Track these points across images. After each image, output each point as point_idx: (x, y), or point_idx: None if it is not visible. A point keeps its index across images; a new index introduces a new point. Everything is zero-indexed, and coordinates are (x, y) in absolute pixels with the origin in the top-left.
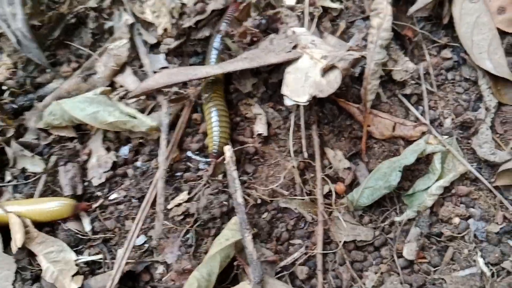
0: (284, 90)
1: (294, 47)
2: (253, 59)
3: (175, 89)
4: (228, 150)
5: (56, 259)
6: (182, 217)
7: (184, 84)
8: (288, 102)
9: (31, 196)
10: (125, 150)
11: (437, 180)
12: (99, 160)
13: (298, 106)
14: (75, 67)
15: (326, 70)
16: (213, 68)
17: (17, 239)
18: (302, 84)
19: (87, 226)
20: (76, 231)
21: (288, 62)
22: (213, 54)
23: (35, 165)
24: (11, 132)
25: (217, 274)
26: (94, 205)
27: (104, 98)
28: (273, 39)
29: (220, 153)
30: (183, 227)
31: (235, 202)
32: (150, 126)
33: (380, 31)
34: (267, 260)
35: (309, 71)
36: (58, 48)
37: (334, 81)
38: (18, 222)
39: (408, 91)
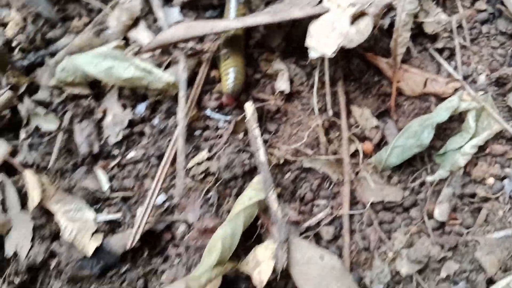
0: (309, 42)
1: (320, 1)
2: (277, 13)
3: (191, 44)
4: (249, 107)
5: (74, 218)
6: (202, 176)
7: (201, 39)
8: (313, 55)
9: (48, 154)
10: (141, 108)
11: (470, 138)
12: (115, 118)
13: (322, 61)
14: (86, 22)
15: (355, 18)
16: (233, 22)
17: (34, 196)
18: (328, 34)
19: (104, 184)
20: (94, 189)
21: (314, 17)
22: (232, 7)
23: (48, 123)
24: (23, 89)
25: (240, 233)
26: (112, 164)
27: (118, 53)
28: None
29: (236, 93)
30: (204, 186)
31: (258, 160)
32: (167, 82)
33: None
34: (291, 220)
35: (335, 21)
36: (68, 2)
37: (364, 29)
38: (34, 180)
39: (440, 45)
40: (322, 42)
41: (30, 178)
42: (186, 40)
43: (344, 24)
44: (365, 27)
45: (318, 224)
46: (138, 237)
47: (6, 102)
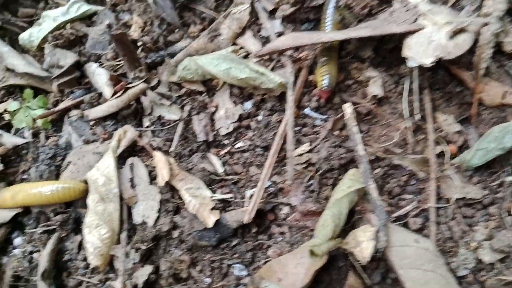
0: (407, 52)
1: (415, 19)
2: (376, 28)
3: (289, 52)
4: (349, 107)
5: (195, 194)
6: (305, 165)
7: (296, 48)
8: (412, 64)
9: (169, 140)
10: (248, 105)
11: None
12: (227, 112)
13: (411, 71)
14: (200, 29)
15: (454, 34)
16: (337, 34)
17: (164, 174)
18: (425, 47)
19: (219, 168)
20: (211, 171)
21: (410, 32)
22: (328, 22)
23: (171, 113)
24: (154, 83)
25: (346, 215)
26: (222, 151)
27: (234, 56)
28: (393, 12)
29: (330, 88)
30: (306, 175)
31: (358, 154)
32: (279, 83)
33: (496, 2)
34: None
35: (432, 35)
36: (183, 11)
37: (463, 43)
38: (163, 160)
39: None
40: (419, 53)
41: (160, 158)
42: (292, 48)
43: (442, 38)
44: (464, 42)
45: (405, 215)
46: (253, 214)
47: (138, 93)
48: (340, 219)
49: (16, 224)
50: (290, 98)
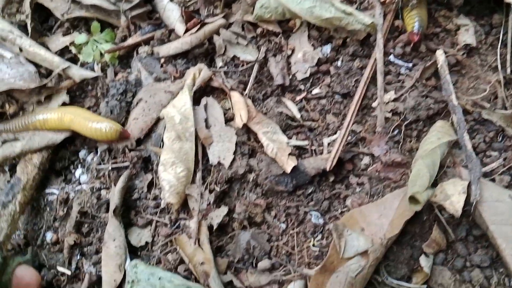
0: None
1: None
2: None
3: None
4: (441, 55)
5: (272, 139)
6: (390, 114)
7: None
8: None
9: (242, 82)
10: (327, 49)
11: None
12: (305, 55)
13: (505, 21)
14: None
15: None
16: None
17: (242, 115)
18: None
19: (296, 113)
20: (287, 116)
21: None
22: None
23: (247, 53)
24: (233, 19)
25: (439, 164)
26: (300, 96)
27: None
28: None
29: (421, 31)
30: (391, 124)
31: (451, 104)
32: (369, 23)
33: None
34: None
35: None
36: None
37: None
38: (242, 101)
39: None
40: None
41: (238, 99)
42: None
43: None
44: None
45: (491, 172)
46: (334, 162)
47: (215, 29)
48: (434, 170)
49: (78, 158)
50: (380, 41)
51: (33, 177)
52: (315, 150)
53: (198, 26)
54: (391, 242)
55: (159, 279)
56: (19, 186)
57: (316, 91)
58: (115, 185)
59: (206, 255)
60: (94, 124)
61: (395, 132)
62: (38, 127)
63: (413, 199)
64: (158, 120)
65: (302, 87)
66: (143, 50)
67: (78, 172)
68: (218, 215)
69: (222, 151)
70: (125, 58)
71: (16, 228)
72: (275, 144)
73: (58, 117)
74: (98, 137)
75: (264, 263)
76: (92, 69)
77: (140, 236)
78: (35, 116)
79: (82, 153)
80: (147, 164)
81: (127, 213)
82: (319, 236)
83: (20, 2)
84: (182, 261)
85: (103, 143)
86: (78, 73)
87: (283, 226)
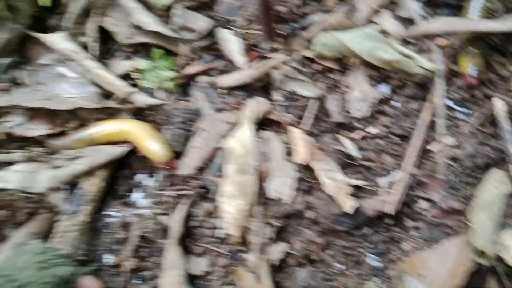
0: None
1: None
2: None
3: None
4: (498, 102)
5: (331, 177)
6: (448, 160)
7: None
8: None
9: (299, 117)
10: (384, 89)
11: None
12: (362, 94)
13: None
14: (337, 2)
15: None
16: (496, 24)
17: (304, 153)
18: None
19: (355, 152)
20: (345, 155)
21: None
22: (476, 9)
23: (305, 89)
24: (290, 55)
25: (501, 217)
26: (356, 135)
27: (379, 35)
28: None
29: (478, 75)
30: (448, 170)
31: (510, 153)
32: (429, 68)
33: None
34: None
35: None
36: None
37: None
38: (303, 138)
39: None
40: None
41: (299, 135)
42: (440, 34)
43: None
44: None
45: None
46: (399, 206)
47: (278, 64)
48: (497, 222)
49: (135, 182)
50: (440, 86)
51: (99, 188)
52: (371, 190)
53: (259, 59)
54: None
55: None
56: (86, 197)
57: (372, 130)
58: (174, 211)
59: None
60: (149, 142)
61: (453, 178)
62: (97, 140)
63: (476, 251)
64: (217, 150)
65: (358, 125)
66: (203, 79)
67: (136, 195)
68: (278, 250)
69: (281, 185)
70: (183, 86)
71: (82, 240)
72: (334, 182)
73: (118, 128)
74: (147, 155)
75: None
76: (152, 95)
77: (197, 265)
78: (94, 129)
79: (139, 177)
80: (205, 193)
81: (183, 240)
82: (377, 278)
83: (82, 24)
84: None
85: (156, 166)
86: (141, 99)
87: (341, 267)
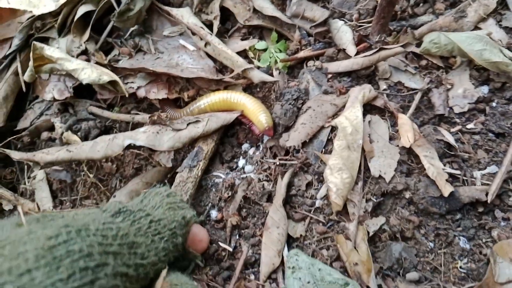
0: None
1: None
2: None
3: None
4: None
5: (431, 162)
6: None
7: None
8: None
9: (402, 107)
10: (484, 89)
11: None
12: (465, 92)
13: None
14: (445, 6)
15: None
16: None
17: (409, 136)
18: None
19: (453, 142)
20: (445, 145)
21: None
22: None
23: (412, 81)
24: (412, 47)
25: None
26: (453, 129)
27: (488, 39)
28: None
29: None
30: None
31: None
32: None
33: None
34: None
35: None
36: None
37: None
38: (409, 123)
39: None
40: None
41: (406, 121)
42: None
43: None
44: None
45: None
46: (495, 195)
47: (390, 55)
48: None
49: (241, 151)
50: None
51: (211, 148)
52: (466, 180)
53: (369, 50)
54: None
55: (319, 270)
56: (202, 154)
57: (470, 126)
58: (281, 179)
59: (362, 257)
60: (256, 111)
61: None
62: (210, 108)
63: None
64: (321, 128)
65: (458, 120)
66: (313, 64)
67: (241, 162)
68: (374, 223)
69: (383, 165)
70: (292, 69)
71: (195, 192)
72: (435, 168)
73: (230, 97)
74: (253, 121)
75: (413, 275)
76: (265, 73)
77: (296, 229)
78: (205, 100)
79: (245, 146)
80: (305, 166)
81: (284, 206)
82: (466, 260)
83: (207, 3)
84: (337, 258)
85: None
86: (258, 75)
87: (431, 244)
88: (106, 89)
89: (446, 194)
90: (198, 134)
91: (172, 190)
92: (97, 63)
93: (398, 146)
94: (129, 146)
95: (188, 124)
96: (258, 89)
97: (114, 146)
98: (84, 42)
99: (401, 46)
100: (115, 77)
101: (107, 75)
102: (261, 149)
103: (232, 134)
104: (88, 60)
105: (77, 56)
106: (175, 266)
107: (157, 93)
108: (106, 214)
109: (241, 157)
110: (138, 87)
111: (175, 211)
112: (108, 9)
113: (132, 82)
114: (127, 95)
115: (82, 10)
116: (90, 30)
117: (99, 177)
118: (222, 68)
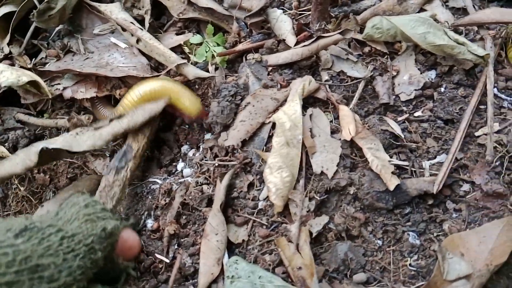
0: None
1: None
2: None
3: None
4: None
5: (376, 155)
6: (493, 145)
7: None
8: None
9: (345, 98)
10: (432, 74)
11: None
12: (411, 78)
13: None
14: None
15: None
16: None
17: (350, 129)
18: None
19: (400, 133)
20: (390, 135)
21: None
22: None
23: (355, 70)
24: (350, 35)
25: None
26: (399, 118)
27: (433, 22)
28: None
29: None
30: (494, 155)
31: None
32: (482, 55)
33: None
34: None
35: None
36: None
37: None
38: (350, 115)
39: None
40: None
41: (347, 113)
42: (492, 23)
43: None
44: None
45: None
46: (441, 186)
47: (329, 44)
48: None
49: (180, 153)
50: (491, 72)
51: (143, 146)
52: (415, 171)
53: (309, 39)
54: (496, 269)
55: (259, 278)
56: (131, 154)
57: (418, 114)
58: (220, 181)
59: (305, 260)
60: (183, 97)
61: (497, 163)
62: (138, 102)
63: None
64: (262, 124)
65: (404, 108)
66: (252, 56)
67: (180, 165)
68: (318, 223)
69: (325, 161)
70: (232, 63)
71: (125, 194)
72: (380, 161)
73: (155, 86)
74: (181, 109)
75: (360, 276)
76: (202, 69)
77: (237, 234)
78: (134, 91)
79: (184, 148)
80: (247, 165)
81: (225, 210)
82: (416, 257)
83: None
84: (280, 263)
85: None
86: (193, 71)
87: (379, 242)
88: (30, 93)
89: (391, 187)
90: (122, 130)
91: (92, 199)
92: (21, 67)
93: (340, 139)
94: (43, 150)
95: (110, 121)
96: (196, 86)
97: (31, 155)
98: (9, 46)
99: (340, 33)
100: (35, 77)
101: (26, 76)
102: (201, 150)
103: (170, 136)
104: (12, 65)
105: (1, 60)
106: (104, 279)
107: (85, 93)
108: (9, 233)
109: (180, 160)
110: (64, 88)
111: (93, 223)
112: (32, 10)
113: (58, 84)
114: (50, 96)
115: (2, 11)
116: (13, 33)
117: (32, 190)
118: (158, 65)
